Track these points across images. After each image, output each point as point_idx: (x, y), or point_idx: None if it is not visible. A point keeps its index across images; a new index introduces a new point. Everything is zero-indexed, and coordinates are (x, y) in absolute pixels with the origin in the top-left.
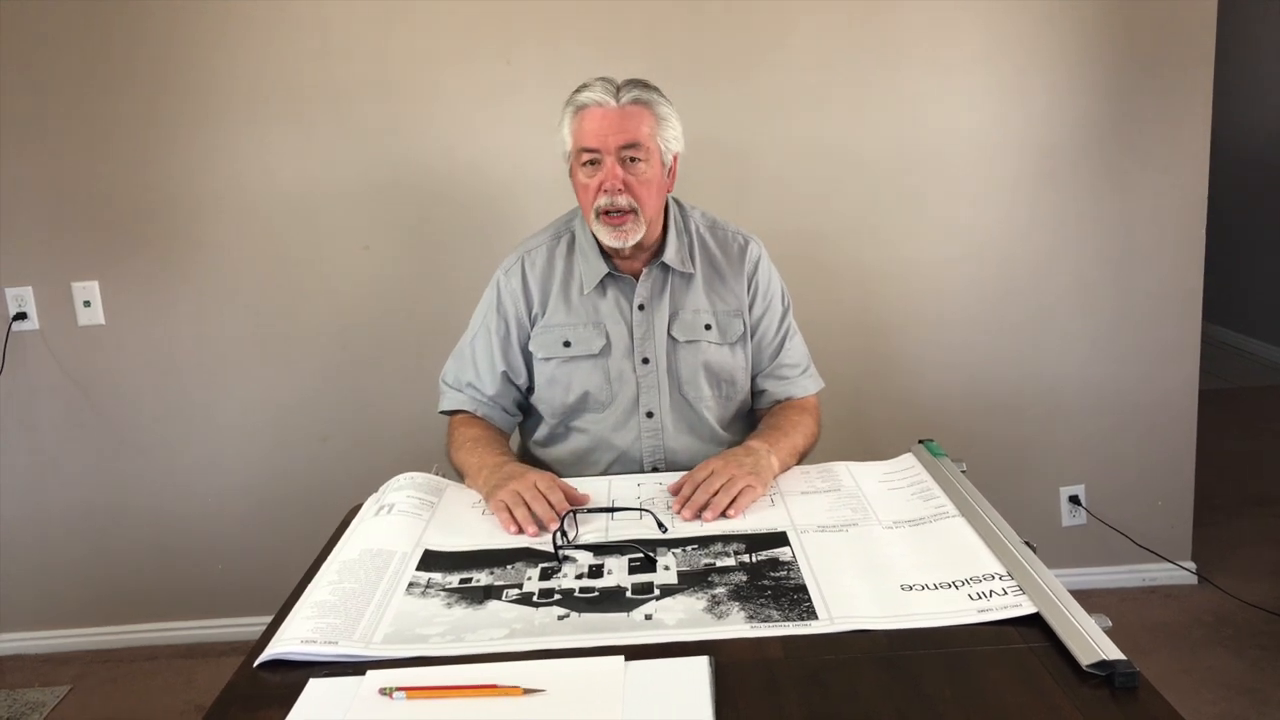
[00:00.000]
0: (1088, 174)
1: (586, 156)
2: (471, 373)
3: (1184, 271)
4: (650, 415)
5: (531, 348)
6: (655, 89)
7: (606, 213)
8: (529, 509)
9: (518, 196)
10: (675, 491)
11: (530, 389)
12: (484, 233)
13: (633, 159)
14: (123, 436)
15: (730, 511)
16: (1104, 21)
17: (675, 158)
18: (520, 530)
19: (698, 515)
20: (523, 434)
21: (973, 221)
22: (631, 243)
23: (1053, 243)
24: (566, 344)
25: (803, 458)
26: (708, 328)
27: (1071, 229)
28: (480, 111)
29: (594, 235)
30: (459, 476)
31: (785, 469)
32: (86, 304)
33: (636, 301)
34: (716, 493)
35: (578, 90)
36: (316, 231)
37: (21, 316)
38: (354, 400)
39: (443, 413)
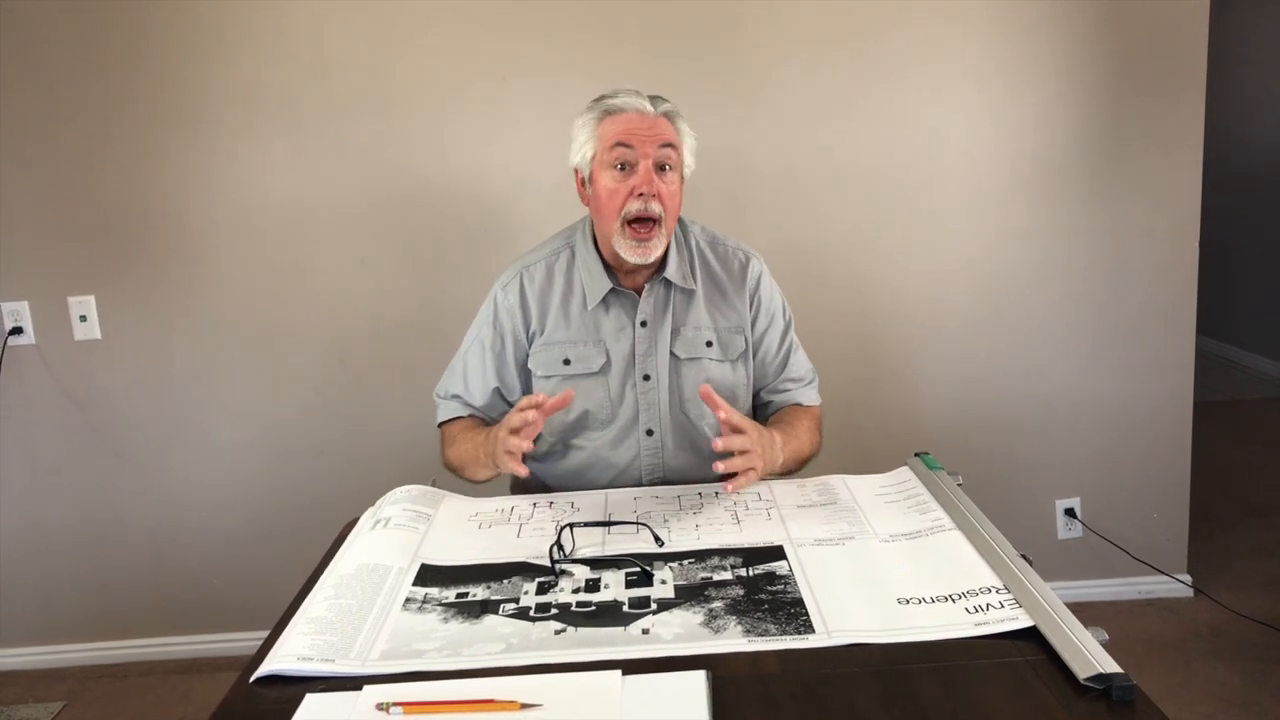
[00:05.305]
0: (1081, 187)
1: (620, 155)
2: (460, 385)
3: (1178, 284)
4: (650, 433)
5: (531, 365)
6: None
7: (634, 222)
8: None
9: (513, 211)
10: (707, 398)
11: None
12: (480, 247)
13: (663, 167)
14: (118, 451)
15: (728, 486)
16: (1096, 35)
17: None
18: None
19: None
20: None
21: (967, 235)
22: (654, 257)
23: (1047, 256)
24: (566, 361)
25: (803, 465)
26: (709, 344)
27: (1065, 242)
28: (476, 126)
29: (599, 251)
30: (458, 476)
31: (784, 470)
32: (83, 319)
33: (640, 318)
34: (738, 455)
35: (604, 98)
36: (312, 245)
37: (18, 331)
38: (350, 414)
39: (440, 426)
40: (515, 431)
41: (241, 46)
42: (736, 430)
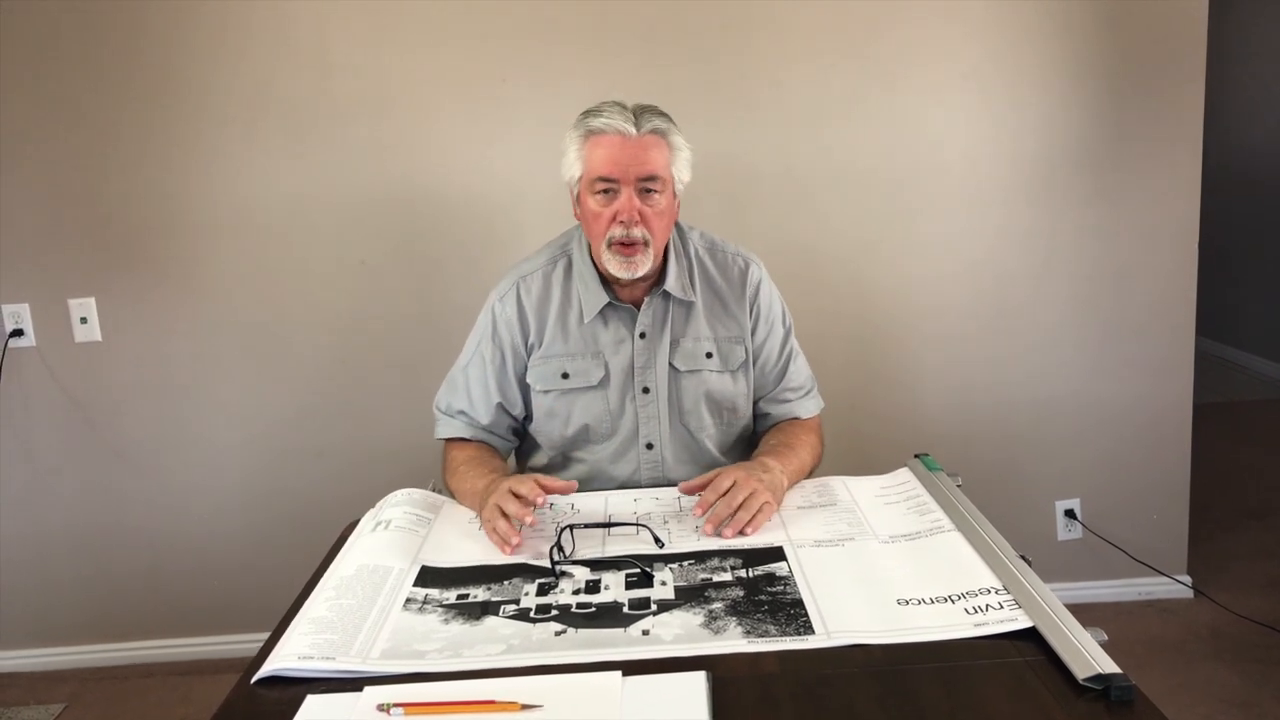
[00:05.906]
0: (1081, 190)
1: (602, 185)
2: (464, 401)
3: (1177, 286)
4: (650, 447)
5: (529, 379)
6: (669, 117)
7: (619, 244)
8: (506, 520)
9: (514, 212)
10: (689, 491)
11: (527, 417)
12: (480, 248)
13: (649, 190)
14: (119, 453)
15: (748, 529)
16: (1096, 38)
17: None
18: (512, 549)
19: (718, 529)
20: (520, 461)
21: (967, 237)
22: (640, 274)
23: (1047, 258)
24: (565, 375)
25: (806, 476)
26: (709, 356)
27: (1065, 244)
28: (477, 128)
29: (594, 264)
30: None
31: (789, 488)
32: (83, 321)
33: (638, 330)
34: (739, 508)
35: (589, 114)
36: (313, 247)
37: (18, 333)
38: (350, 415)
39: (444, 440)
40: (505, 514)
41: (243, 48)
42: (728, 490)
